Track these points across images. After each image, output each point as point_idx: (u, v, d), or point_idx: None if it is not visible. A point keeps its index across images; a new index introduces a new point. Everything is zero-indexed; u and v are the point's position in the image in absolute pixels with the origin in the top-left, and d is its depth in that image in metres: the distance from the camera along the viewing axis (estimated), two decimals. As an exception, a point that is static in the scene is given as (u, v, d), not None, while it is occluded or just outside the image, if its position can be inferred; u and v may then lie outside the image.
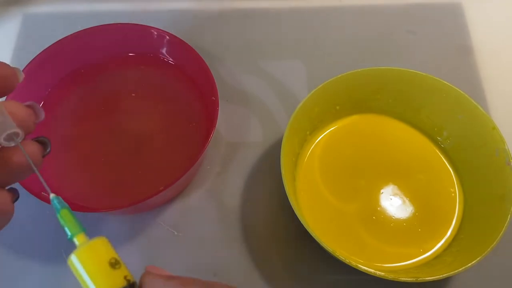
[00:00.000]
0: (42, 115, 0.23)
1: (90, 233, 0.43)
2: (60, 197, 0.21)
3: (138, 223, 0.41)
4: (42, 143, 0.23)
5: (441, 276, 0.33)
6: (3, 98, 0.23)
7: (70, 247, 0.41)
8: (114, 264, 0.19)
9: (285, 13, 0.53)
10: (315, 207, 0.40)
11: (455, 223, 0.40)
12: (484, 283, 0.39)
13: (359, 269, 0.33)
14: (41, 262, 0.40)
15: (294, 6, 0.53)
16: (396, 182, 0.41)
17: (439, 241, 0.39)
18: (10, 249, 0.40)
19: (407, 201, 0.40)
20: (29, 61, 0.41)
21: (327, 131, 0.43)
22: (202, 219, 0.41)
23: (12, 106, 0.22)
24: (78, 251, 0.19)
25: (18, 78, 0.23)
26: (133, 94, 0.45)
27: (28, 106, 0.23)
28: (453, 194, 0.41)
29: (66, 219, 0.20)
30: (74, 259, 0.19)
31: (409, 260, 0.38)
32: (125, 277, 0.19)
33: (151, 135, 0.43)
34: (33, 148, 0.23)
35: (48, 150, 0.23)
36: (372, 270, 0.33)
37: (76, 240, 0.20)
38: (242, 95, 0.47)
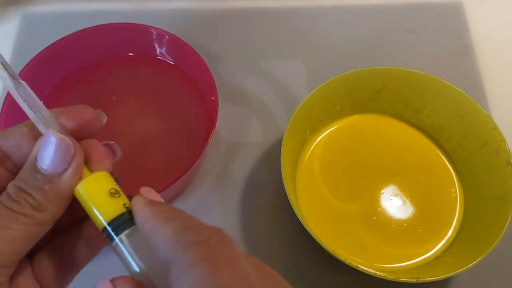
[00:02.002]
0: (119, 154, 0.24)
1: (90, 234, 0.42)
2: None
3: (138, 224, 0.41)
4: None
5: (441, 276, 0.33)
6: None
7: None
8: (114, 194, 0.21)
9: (285, 13, 0.52)
10: (315, 207, 0.40)
11: (456, 223, 0.40)
12: (485, 283, 0.39)
13: (359, 269, 0.33)
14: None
15: (294, 6, 0.53)
16: (397, 182, 0.41)
17: (439, 242, 0.39)
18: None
19: (407, 202, 0.40)
20: (28, 61, 0.41)
21: (327, 131, 0.43)
22: (202, 219, 0.41)
23: (92, 145, 0.22)
24: (82, 182, 0.21)
25: (101, 121, 0.23)
26: (133, 94, 0.45)
27: (107, 145, 0.23)
28: (453, 195, 0.41)
29: None
30: (80, 187, 0.21)
31: (409, 260, 0.38)
32: (124, 205, 0.21)
33: (151, 135, 0.43)
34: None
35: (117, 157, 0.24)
36: (373, 271, 0.33)
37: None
38: (242, 95, 0.47)
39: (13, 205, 0.20)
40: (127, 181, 0.41)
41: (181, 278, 0.18)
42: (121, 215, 0.21)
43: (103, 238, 0.22)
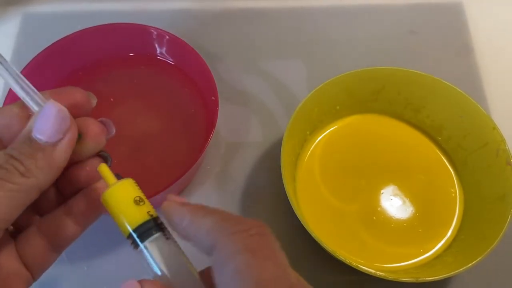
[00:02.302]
0: (113, 131, 0.25)
1: (91, 234, 0.43)
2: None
3: (138, 223, 0.41)
4: (103, 158, 0.25)
5: (441, 276, 0.33)
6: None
7: (71, 246, 0.41)
8: (138, 201, 0.22)
9: (285, 13, 0.52)
10: (315, 207, 0.40)
11: (456, 223, 0.40)
12: (485, 283, 0.39)
13: (359, 269, 0.33)
14: (41, 262, 0.40)
15: (294, 6, 0.53)
16: (396, 182, 0.41)
17: (439, 241, 0.39)
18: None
19: (407, 201, 0.40)
20: (28, 61, 0.41)
21: (327, 131, 0.43)
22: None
23: (87, 121, 0.23)
24: (109, 190, 0.22)
25: (91, 103, 0.24)
26: (133, 94, 0.45)
27: (101, 122, 0.24)
28: (453, 194, 0.41)
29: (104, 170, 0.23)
30: (106, 195, 0.22)
31: (409, 260, 0.38)
32: (148, 212, 0.22)
33: (151, 135, 0.43)
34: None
35: (109, 164, 0.25)
36: (373, 271, 0.33)
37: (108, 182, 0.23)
38: (242, 95, 0.47)
39: (1, 172, 0.20)
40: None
41: (225, 264, 0.19)
42: (146, 222, 0.21)
43: (90, 215, 0.23)
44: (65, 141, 0.22)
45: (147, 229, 0.21)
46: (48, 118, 0.21)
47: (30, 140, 0.21)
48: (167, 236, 0.22)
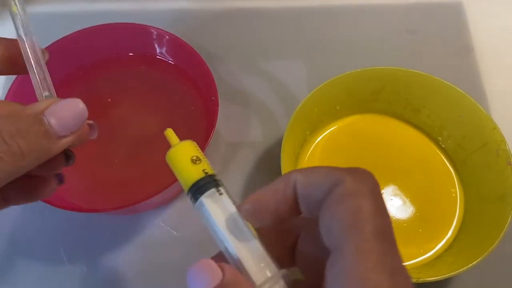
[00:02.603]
0: (95, 135, 0.26)
1: (91, 233, 0.43)
2: None
3: (138, 223, 0.41)
4: (67, 156, 0.25)
5: (441, 276, 0.33)
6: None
7: (70, 247, 0.41)
8: (195, 160, 0.23)
9: (285, 13, 0.52)
10: (315, 207, 0.40)
11: (456, 223, 0.39)
12: (485, 283, 0.39)
13: (359, 269, 0.33)
14: (41, 262, 0.40)
15: (294, 6, 0.53)
16: (397, 183, 0.41)
17: (439, 242, 0.39)
18: (10, 249, 0.40)
19: (407, 202, 0.40)
20: (28, 61, 0.41)
21: (327, 131, 0.43)
22: (202, 219, 0.41)
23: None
24: (170, 151, 0.24)
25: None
26: (133, 94, 0.45)
27: (89, 124, 0.25)
28: (453, 194, 0.41)
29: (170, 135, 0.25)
30: (167, 157, 0.24)
31: (409, 260, 0.38)
32: (203, 170, 0.23)
33: (151, 135, 0.43)
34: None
35: (70, 163, 0.26)
36: (373, 271, 0.33)
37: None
38: (242, 95, 0.47)
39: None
40: (127, 181, 0.41)
41: (356, 195, 0.19)
42: (201, 179, 0.23)
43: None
44: (69, 139, 0.22)
45: (202, 186, 0.22)
46: (72, 110, 0.22)
47: (40, 122, 0.21)
48: (220, 192, 0.23)
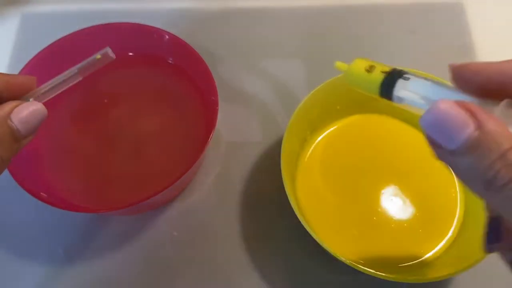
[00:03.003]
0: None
1: (91, 233, 0.43)
2: None
3: (138, 223, 0.41)
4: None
5: (442, 276, 0.33)
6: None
7: (70, 247, 0.41)
8: (369, 70, 0.25)
9: (286, 13, 0.52)
10: (315, 207, 0.40)
11: (456, 223, 0.39)
12: (485, 283, 0.39)
13: (359, 269, 0.33)
14: (41, 262, 0.40)
15: (294, 6, 0.53)
16: (397, 183, 0.41)
17: (440, 242, 0.39)
18: (10, 249, 0.40)
19: (407, 202, 0.40)
20: (27, 61, 0.41)
21: (328, 131, 0.43)
22: (202, 219, 0.41)
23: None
24: (345, 77, 0.27)
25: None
26: (133, 94, 0.45)
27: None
28: (453, 195, 0.41)
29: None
30: (346, 81, 0.27)
31: (410, 261, 0.38)
32: (381, 72, 0.24)
33: (151, 135, 0.43)
34: None
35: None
36: (373, 271, 0.33)
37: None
38: (242, 95, 0.47)
39: None
40: (127, 181, 0.41)
41: None
42: (383, 81, 0.24)
43: None
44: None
45: (387, 85, 0.24)
46: (33, 112, 0.24)
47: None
48: (406, 77, 0.24)
